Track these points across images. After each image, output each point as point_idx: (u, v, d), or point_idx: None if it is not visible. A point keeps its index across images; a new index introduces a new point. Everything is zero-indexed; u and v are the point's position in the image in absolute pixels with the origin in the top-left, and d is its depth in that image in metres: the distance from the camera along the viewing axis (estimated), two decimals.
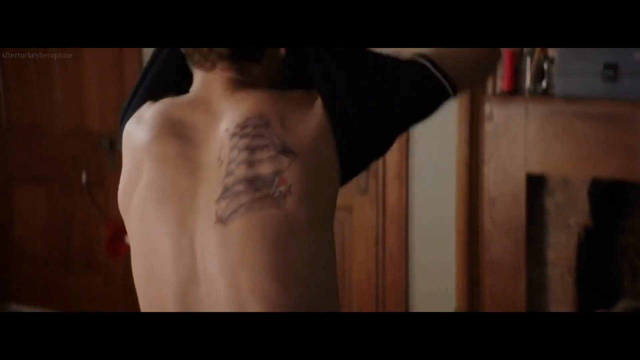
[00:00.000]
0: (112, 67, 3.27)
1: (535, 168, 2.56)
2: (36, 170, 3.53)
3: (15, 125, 3.53)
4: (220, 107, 1.17)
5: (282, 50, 1.17)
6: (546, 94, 2.54)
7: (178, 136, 1.17)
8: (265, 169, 1.09)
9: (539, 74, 2.55)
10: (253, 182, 1.09)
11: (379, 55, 1.16)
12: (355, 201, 2.86)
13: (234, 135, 1.12)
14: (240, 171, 1.10)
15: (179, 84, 1.24)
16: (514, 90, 2.56)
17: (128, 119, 1.30)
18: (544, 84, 2.55)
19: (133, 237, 1.19)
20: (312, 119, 1.11)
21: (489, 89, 2.63)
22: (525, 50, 2.55)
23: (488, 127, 2.59)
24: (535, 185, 2.62)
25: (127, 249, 1.28)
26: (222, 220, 1.09)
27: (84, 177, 3.23)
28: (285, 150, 1.08)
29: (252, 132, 1.10)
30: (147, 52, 3.14)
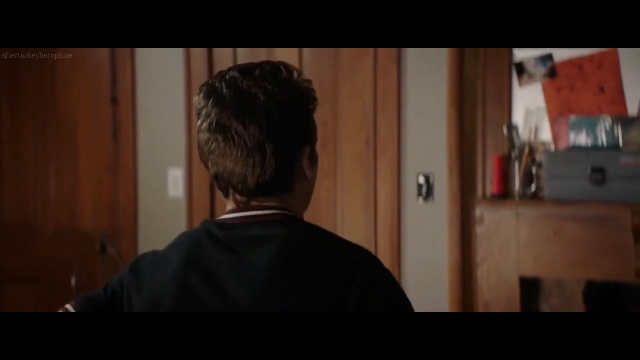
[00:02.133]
0: (106, 169, 3.30)
1: (529, 271, 2.56)
2: (26, 271, 3.49)
3: (7, 225, 3.53)
4: None
5: (308, 173, 1.17)
6: (535, 197, 2.57)
7: None
8: None
9: (527, 178, 2.59)
10: None
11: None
12: None
13: None
14: None
15: None
16: (504, 194, 2.59)
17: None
18: (532, 187, 2.59)
19: None
20: None
21: (479, 193, 2.66)
22: (514, 154, 2.60)
23: (479, 230, 2.61)
24: (530, 288, 2.61)
25: None
26: None
27: (73, 280, 3.20)
28: None
29: None
30: (143, 153, 3.22)
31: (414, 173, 2.76)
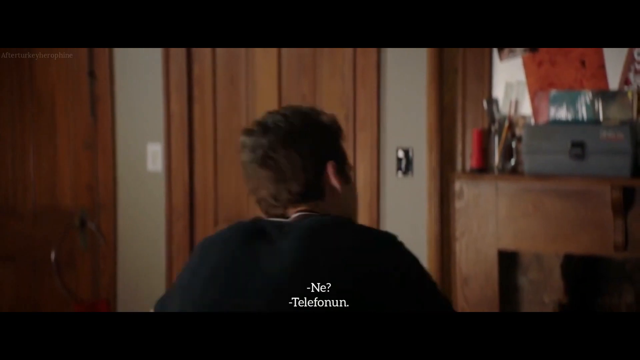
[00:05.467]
0: (85, 145, 3.26)
1: (507, 245, 2.56)
2: (6, 249, 3.47)
3: None
4: None
5: (337, 187, 1.37)
6: (515, 171, 2.56)
7: None
8: None
9: (507, 152, 2.58)
10: None
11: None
12: None
13: None
14: None
15: None
16: (483, 168, 2.58)
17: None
18: (512, 161, 2.58)
19: None
20: None
21: (459, 167, 2.65)
22: (493, 129, 2.59)
23: (458, 204, 2.60)
24: (508, 262, 2.61)
25: None
26: None
27: (53, 256, 3.18)
28: None
29: None
30: (121, 128, 3.19)
31: (393, 147, 2.75)
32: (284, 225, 1.29)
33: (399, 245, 1.27)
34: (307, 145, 1.35)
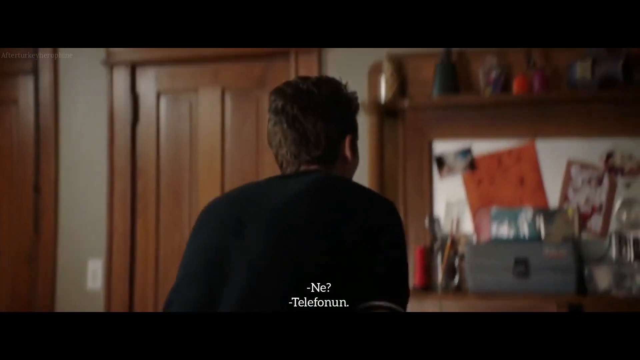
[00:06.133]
0: (26, 260, 3.18)
1: None
2: None
3: None
4: None
5: (349, 156, 1.51)
6: (459, 289, 2.54)
7: None
8: None
9: (450, 270, 2.56)
10: None
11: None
12: None
13: None
14: None
15: None
16: (427, 287, 2.56)
17: None
18: (456, 280, 2.56)
19: None
20: None
21: None
22: (436, 246, 2.58)
23: None
24: None
25: None
26: None
27: None
28: None
29: None
30: (63, 243, 3.12)
31: None
32: (294, 175, 1.44)
33: (395, 212, 1.37)
34: (334, 116, 1.48)
